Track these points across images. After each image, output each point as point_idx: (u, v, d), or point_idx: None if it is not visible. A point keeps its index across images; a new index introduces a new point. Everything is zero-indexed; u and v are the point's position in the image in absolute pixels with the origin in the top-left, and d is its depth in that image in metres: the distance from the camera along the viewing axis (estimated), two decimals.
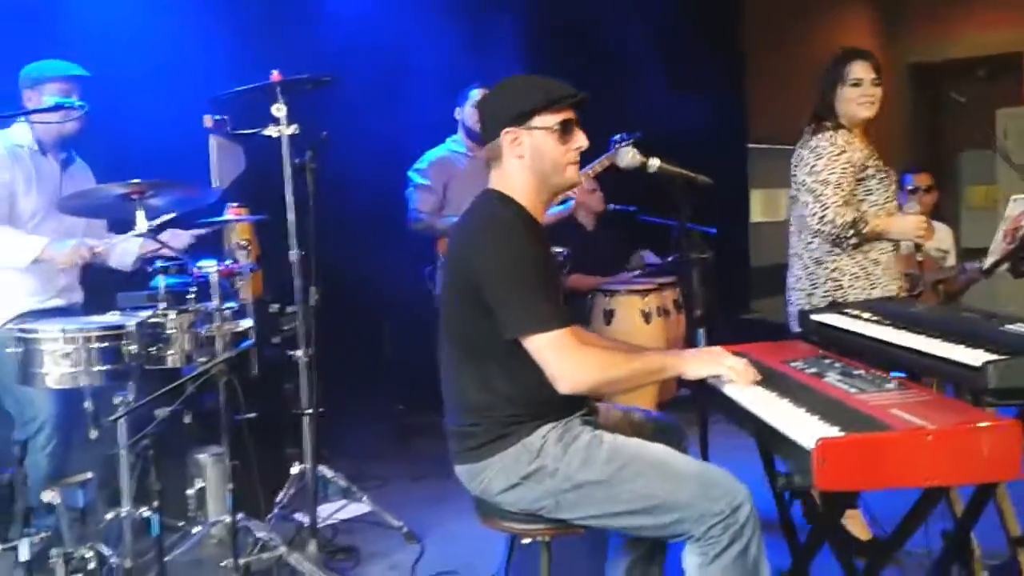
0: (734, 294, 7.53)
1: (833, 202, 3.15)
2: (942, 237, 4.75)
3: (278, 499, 3.74)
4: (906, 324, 2.31)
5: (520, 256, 2.23)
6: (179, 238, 3.53)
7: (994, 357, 1.84)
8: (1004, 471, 1.73)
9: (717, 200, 6.35)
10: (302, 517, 3.66)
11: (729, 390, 2.25)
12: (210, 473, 3.82)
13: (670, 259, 5.37)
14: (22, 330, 3.08)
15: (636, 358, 2.32)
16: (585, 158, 3.58)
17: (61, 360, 3.03)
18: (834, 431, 1.80)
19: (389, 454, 5.01)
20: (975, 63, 8.69)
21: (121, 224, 3.62)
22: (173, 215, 3.22)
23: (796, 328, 3.18)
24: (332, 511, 3.90)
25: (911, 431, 1.75)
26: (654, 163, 2.61)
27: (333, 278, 3.72)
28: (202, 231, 3.56)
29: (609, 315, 4.76)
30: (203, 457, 3.84)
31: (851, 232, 3.14)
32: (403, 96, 4.94)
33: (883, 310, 2.55)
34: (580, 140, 2.38)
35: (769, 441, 2.02)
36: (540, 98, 2.31)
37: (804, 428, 1.86)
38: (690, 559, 2.19)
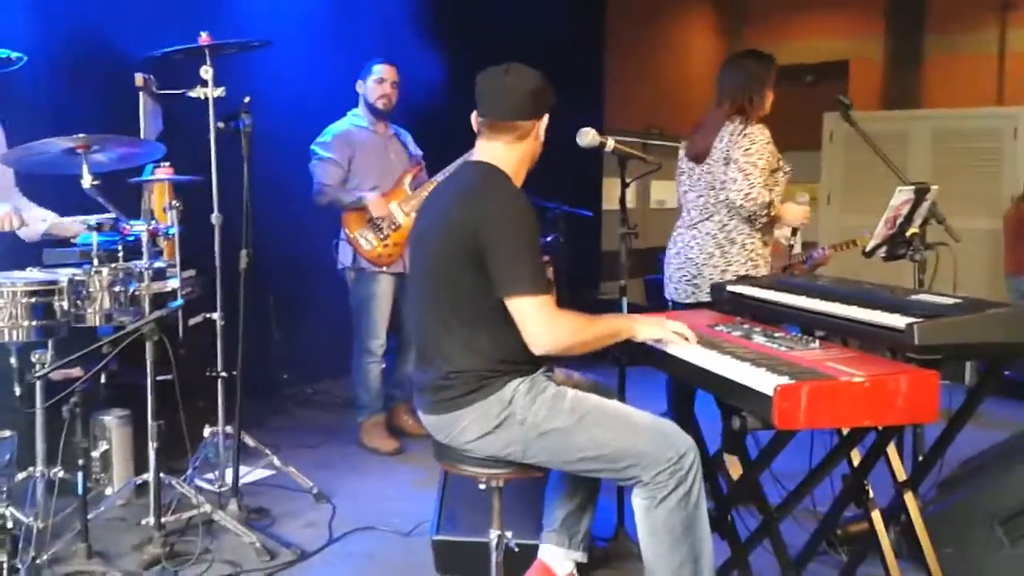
0: (586, 276, 7.95)
1: (759, 183, 3.55)
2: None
3: (192, 459, 3.76)
4: (820, 294, 2.66)
5: (527, 224, 2.43)
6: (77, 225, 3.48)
7: (914, 320, 2.19)
8: (926, 414, 2.07)
9: (573, 187, 6.73)
10: (213, 478, 3.71)
11: (674, 350, 2.51)
12: (115, 435, 3.81)
13: (548, 239, 5.67)
14: None
15: (598, 321, 2.54)
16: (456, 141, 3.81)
17: None
18: (785, 379, 2.09)
19: (276, 422, 5.08)
20: (804, 69, 9.49)
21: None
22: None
23: (687, 299, 3.69)
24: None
25: (851, 379, 2.06)
26: (611, 143, 2.86)
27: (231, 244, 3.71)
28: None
29: None
30: (108, 419, 3.82)
31: (765, 212, 3.57)
32: (320, 64, 4.97)
33: (790, 283, 2.90)
34: None
35: (722, 390, 2.29)
36: (554, 100, 2.62)
37: (758, 378, 2.14)
38: (638, 502, 2.45)
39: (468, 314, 2.47)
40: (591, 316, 2.55)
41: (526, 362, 2.50)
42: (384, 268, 4.50)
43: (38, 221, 3.42)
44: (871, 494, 2.65)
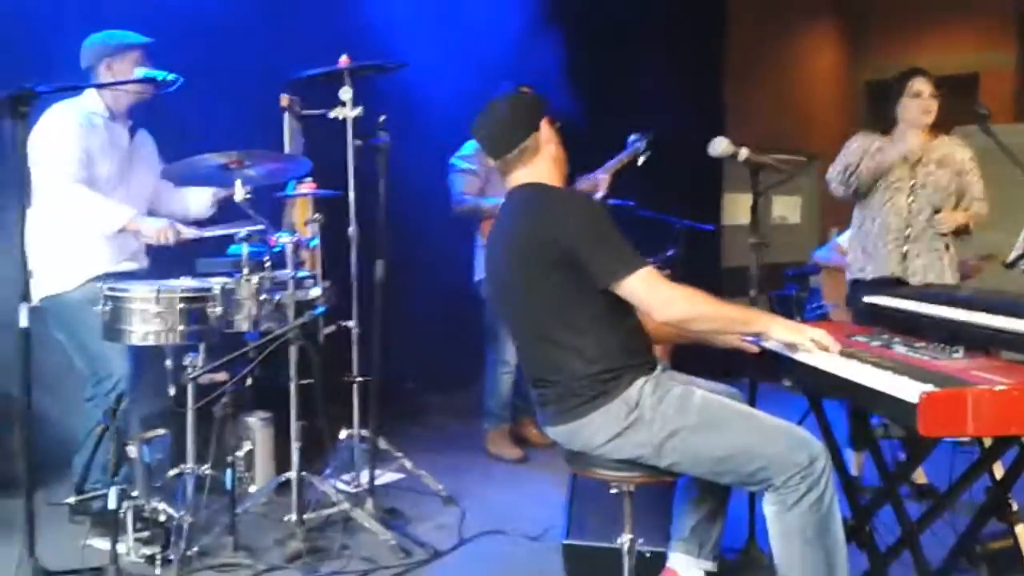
0: (709, 290, 7.87)
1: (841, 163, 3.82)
2: None
3: (331, 460, 3.91)
4: (962, 304, 2.62)
5: (599, 212, 2.51)
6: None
7: None
8: None
9: (692, 201, 6.72)
10: (349, 479, 3.85)
11: (809, 358, 2.49)
12: (259, 436, 4.00)
13: (669, 253, 5.67)
14: (112, 288, 3.23)
15: (726, 303, 2.55)
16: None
17: (151, 319, 3.19)
18: (929, 387, 2.07)
19: (403, 429, 5.20)
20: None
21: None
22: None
23: None
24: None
25: (998, 388, 2.03)
26: (743, 152, 2.88)
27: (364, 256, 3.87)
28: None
29: None
30: (252, 420, 4.01)
31: (838, 178, 3.87)
32: (450, 84, 5.11)
33: (930, 294, 2.87)
34: None
35: (863, 400, 2.28)
36: (545, 102, 2.72)
37: (901, 386, 2.12)
38: (769, 507, 2.45)
39: (572, 320, 2.51)
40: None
41: (642, 357, 2.56)
42: None
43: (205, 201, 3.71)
44: (1015, 508, 2.59)
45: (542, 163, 2.65)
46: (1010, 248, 3.32)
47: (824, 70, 10.08)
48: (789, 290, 6.79)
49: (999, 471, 2.67)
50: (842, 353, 2.49)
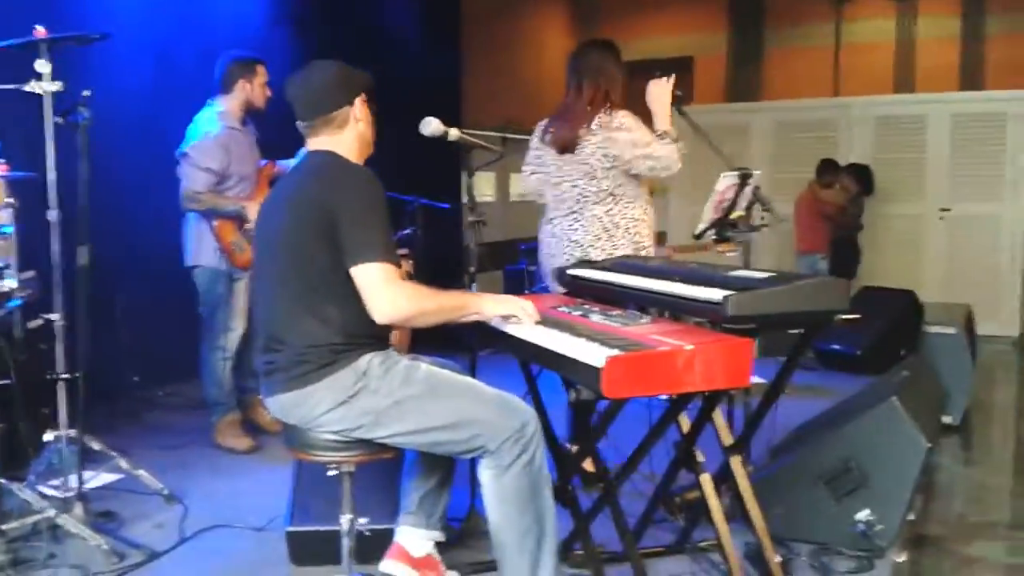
0: (447, 269, 8.00)
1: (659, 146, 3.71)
2: None
3: (34, 465, 3.63)
4: (650, 274, 2.81)
5: (376, 195, 2.52)
6: None
7: (729, 292, 2.35)
8: (739, 379, 2.24)
9: (432, 182, 6.81)
10: (58, 484, 3.60)
11: (514, 329, 2.61)
12: None
13: (406, 232, 5.73)
14: None
15: (444, 294, 2.61)
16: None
17: None
18: (615, 352, 2.20)
19: (128, 426, 4.96)
20: (652, 64, 9.79)
21: None
22: None
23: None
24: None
25: (675, 348, 2.20)
26: (454, 132, 2.93)
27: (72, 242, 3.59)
28: None
29: None
30: None
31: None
32: (162, 56, 4.85)
33: (625, 265, 3.05)
34: None
35: (559, 366, 2.39)
36: (368, 80, 2.72)
37: (590, 352, 2.24)
38: (486, 472, 2.55)
39: (323, 290, 2.52)
40: (435, 289, 2.61)
41: (380, 337, 2.60)
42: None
43: None
44: (700, 459, 2.81)
45: (346, 137, 2.66)
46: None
47: (555, 51, 10.46)
48: (522, 265, 7.03)
49: (687, 425, 2.89)
50: (545, 323, 2.61)
